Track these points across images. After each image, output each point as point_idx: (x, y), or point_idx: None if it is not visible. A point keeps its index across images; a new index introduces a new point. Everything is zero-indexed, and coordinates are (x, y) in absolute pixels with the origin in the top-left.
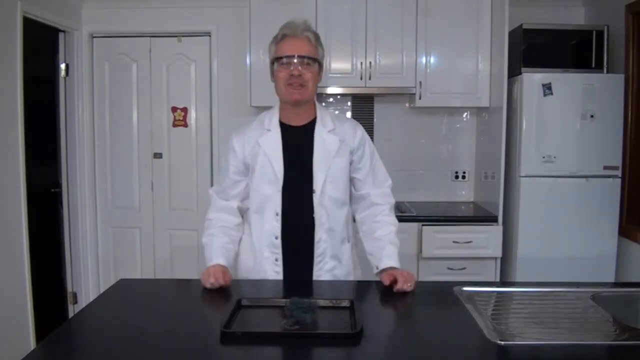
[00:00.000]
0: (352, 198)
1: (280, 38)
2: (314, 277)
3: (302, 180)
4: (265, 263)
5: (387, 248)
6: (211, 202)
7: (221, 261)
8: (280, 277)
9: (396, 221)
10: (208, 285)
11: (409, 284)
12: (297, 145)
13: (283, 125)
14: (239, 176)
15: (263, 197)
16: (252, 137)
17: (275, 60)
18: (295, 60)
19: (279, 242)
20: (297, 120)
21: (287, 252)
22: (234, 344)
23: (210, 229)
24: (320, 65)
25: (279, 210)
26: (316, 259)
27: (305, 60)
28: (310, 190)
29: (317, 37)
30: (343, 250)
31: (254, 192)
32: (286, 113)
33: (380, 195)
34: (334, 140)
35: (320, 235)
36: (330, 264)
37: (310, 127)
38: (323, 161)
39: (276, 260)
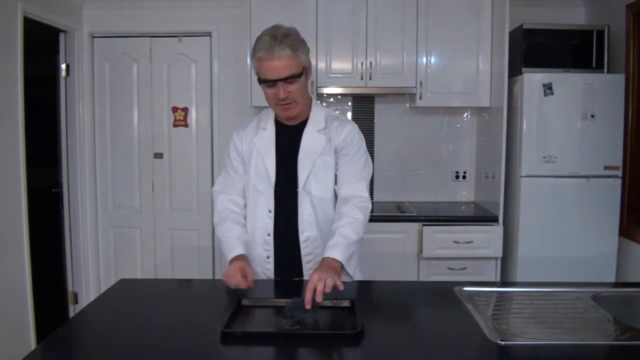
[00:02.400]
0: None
1: (257, 59)
2: (304, 277)
3: (291, 178)
4: (256, 260)
5: (334, 238)
6: (217, 199)
7: (241, 251)
8: (271, 275)
9: (358, 214)
10: (232, 287)
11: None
12: (288, 144)
13: (278, 124)
14: (243, 171)
15: (256, 194)
16: (249, 135)
17: (259, 80)
18: (278, 84)
19: (271, 239)
20: (292, 120)
21: (279, 249)
22: (235, 344)
23: (224, 223)
24: (306, 69)
25: (272, 207)
26: (304, 258)
27: (288, 80)
28: (296, 188)
29: (294, 45)
30: None
31: (249, 190)
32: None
33: (350, 190)
34: (321, 140)
35: (308, 234)
36: None
37: (302, 127)
38: (307, 159)
39: (267, 257)
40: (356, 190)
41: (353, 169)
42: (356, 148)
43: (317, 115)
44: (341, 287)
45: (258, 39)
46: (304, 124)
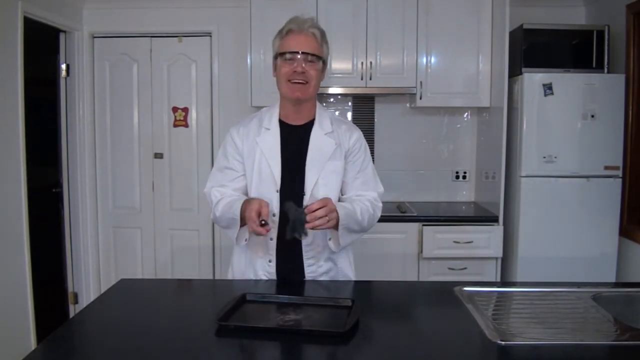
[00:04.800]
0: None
1: (285, 33)
2: (306, 279)
3: (296, 181)
4: (258, 264)
5: (345, 202)
6: (211, 193)
7: (244, 198)
8: (273, 277)
9: (369, 206)
10: (259, 225)
11: (320, 216)
12: (294, 146)
13: (282, 124)
14: (241, 170)
15: (260, 197)
16: (250, 134)
17: (279, 55)
18: (299, 57)
19: (274, 243)
20: (297, 119)
21: (281, 253)
22: (228, 336)
23: (220, 202)
24: (325, 63)
25: (276, 211)
26: (306, 262)
27: (309, 57)
28: (303, 192)
29: (323, 34)
30: (338, 254)
31: (251, 193)
32: (286, 111)
33: (364, 193)
34: (330, 143)
35: (311, 238)
36: (324, 267)
37: (308, 128)
38: (316, 163)
39: (270, 261)
40: (369, 195)
41: (368, 177)
42: (363, 155)
43: (323, 118)
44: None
45: (289, 20)
46: (309, 125)
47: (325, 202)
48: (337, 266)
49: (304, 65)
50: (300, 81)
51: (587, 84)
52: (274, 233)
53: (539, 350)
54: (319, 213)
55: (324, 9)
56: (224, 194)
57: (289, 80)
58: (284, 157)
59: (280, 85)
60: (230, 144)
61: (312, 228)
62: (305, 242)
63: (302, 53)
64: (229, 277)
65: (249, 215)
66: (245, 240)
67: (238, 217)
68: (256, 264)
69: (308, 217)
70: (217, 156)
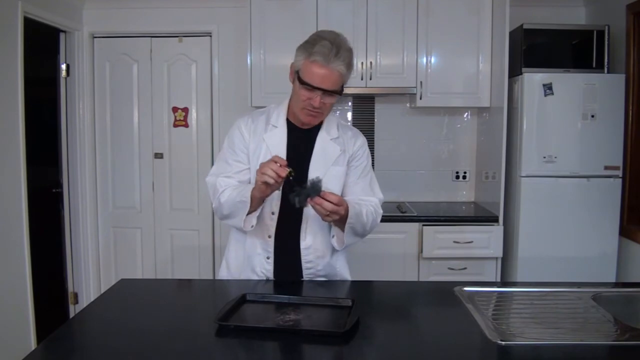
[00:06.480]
0: None
1: (311, 60)
2: (304, 278)
3: (298, 182)
4: (255, 259)
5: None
6: (216, 181)
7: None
8: (270, 275)
9: (372, 210)
10: (271, 179)
11: (327, 211)
12: (299, 147)
13: (289, 124)
14: (248, 163)
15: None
16: (258, 129)
17: (300, 79)
18: (317, 92)
19: (272, 241)
20: (304, 124)
21: (279, 252)
22: (228, 336)
23: (227, 190)
24: (344, 85)
25: (276, 210)
26: (305, 265)
27: (329, 93)
28: None
29: (349, 64)
30: (336, 257)
31: None
32: (294, 115)
33: (366, 198)
34: (335, 149)
35: (309, 242)
36: (322, 272)
37: (314, 131)
38: (319, 167)
39: (268, 258)
40: (372, 201)
41: (363, 183)
42: (366, 161)
43: (330, 123)
44: (325, 212)
45: (317, 40)
46: (316, 128)
47: (342, 203)
48: (336, 269)
49: (322, 99)
50: (316, 112)
51: (587, 84)
52: (272, 230)
53: (539, 350)
54: (327, 206)
55: (324, 9)
56: (229, 185)
57: (304, 107)
58: (289, 157)
59: (294, 103)
60: (237, 136)
61: (312, 206)
62: (303, 245)
63: (323, 89)
64: (223, 273)
65: (268, 161)
66: (252, 226)
67: (248, 200)
68: (254, 260)
69: (316, 199)
70: (222, 146)
